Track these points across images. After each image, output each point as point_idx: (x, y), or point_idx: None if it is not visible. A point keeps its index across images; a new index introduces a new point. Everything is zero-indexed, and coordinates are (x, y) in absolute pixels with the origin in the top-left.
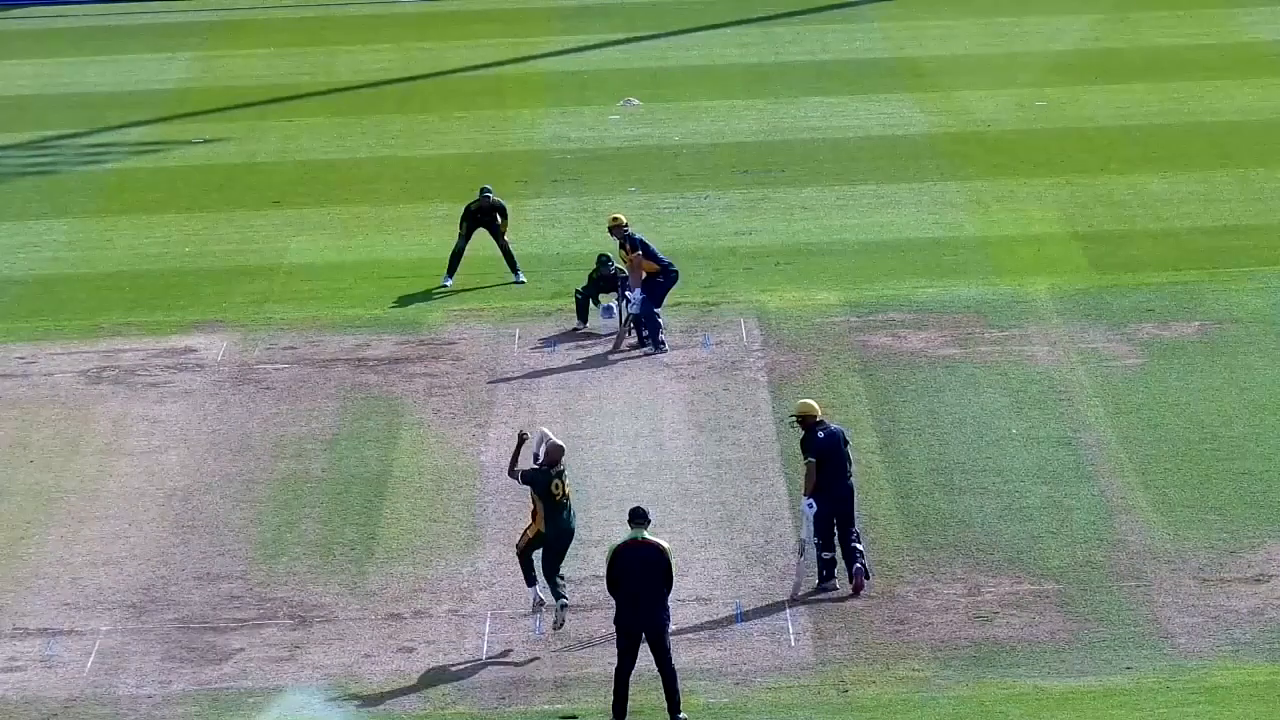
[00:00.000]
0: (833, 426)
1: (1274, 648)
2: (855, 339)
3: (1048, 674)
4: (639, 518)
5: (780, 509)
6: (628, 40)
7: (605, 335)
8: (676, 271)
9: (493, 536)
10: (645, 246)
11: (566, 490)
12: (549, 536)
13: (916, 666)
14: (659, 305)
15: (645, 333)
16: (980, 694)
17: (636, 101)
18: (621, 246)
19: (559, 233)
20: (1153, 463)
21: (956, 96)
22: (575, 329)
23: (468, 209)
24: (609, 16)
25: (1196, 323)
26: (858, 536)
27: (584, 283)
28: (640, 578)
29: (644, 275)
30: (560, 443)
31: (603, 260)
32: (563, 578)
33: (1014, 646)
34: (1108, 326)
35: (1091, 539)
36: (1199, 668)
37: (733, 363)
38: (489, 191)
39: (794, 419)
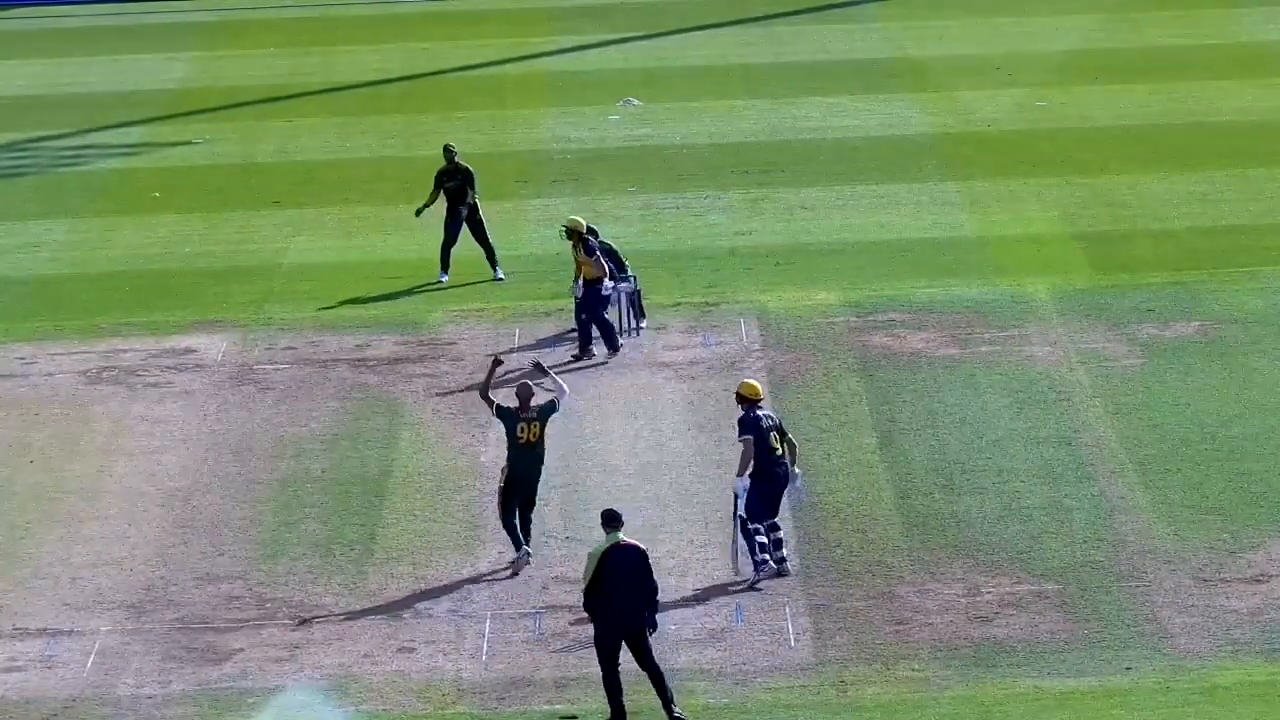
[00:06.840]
0: (768, 411)
1: (1274, 648)
2: (855, 339)
3: (1048, 674)
4: (614, 520)
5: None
6: (628, 40)
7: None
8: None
9: (493, 536)
10: (596, 252)
11: (534, 436)
12: (509, 478)
13: (916, 666)
14: (605, 309)
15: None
16: (980, 694)
17: (636, 101)
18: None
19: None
20: (1153, 463)
21: (956, 96)
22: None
23: (437, 174)
24: (609, 16)
25: (1196, 323)
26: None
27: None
28: (627, 581)
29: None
30: (529, 382)
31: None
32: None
33: (1014, 646)
34: (1108, 326)
35: (1091, 539)
36: (1199, 668)
37: (733, 363)
38: (453, 151)
39: (737, 395)
